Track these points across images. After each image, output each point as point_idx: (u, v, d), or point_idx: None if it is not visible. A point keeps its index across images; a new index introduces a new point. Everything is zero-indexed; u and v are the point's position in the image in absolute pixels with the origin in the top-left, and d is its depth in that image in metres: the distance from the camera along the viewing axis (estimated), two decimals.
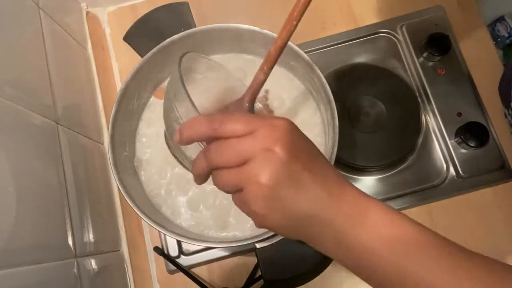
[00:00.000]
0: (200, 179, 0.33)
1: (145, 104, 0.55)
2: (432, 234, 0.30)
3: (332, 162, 0.45)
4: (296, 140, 0.30)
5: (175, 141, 0.32)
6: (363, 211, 0.30)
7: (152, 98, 0.55)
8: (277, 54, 0.38)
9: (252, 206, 0.29)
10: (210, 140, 0.31)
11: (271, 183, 0.28)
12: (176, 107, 0.35)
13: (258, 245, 0.44)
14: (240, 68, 0.55)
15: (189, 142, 0.32)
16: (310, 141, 0.32)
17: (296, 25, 0.36)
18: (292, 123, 0.31)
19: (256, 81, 0.39)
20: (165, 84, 0.55)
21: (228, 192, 0.32)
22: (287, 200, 0.29)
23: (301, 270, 0.44)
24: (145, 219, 0.44)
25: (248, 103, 0.40)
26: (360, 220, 0.30)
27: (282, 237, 0.44)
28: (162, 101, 0.55)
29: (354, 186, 0.31)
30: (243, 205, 0.31)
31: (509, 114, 0.58)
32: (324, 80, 0.48)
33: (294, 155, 0.29)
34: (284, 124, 0.30)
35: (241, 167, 0.29)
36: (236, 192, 0.31)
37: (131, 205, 0.45)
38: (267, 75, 0.39)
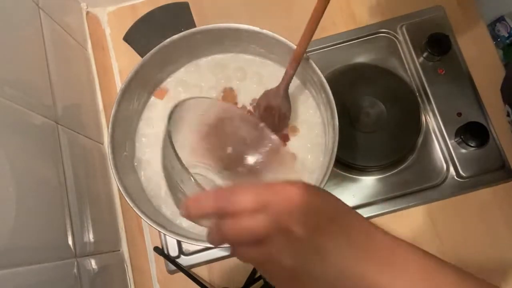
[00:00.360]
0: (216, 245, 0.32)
1: (145, 104, 0.55)
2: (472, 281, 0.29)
3: (332, 162, 0.45)
4: (312, 205, 0.28)
5: (181, 214, 0.31)
6: (396, 260, 0.28)
7: (152, 98, 0.55)
8: (302, 52, 0.46)
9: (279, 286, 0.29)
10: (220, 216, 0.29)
11: (294, 265, 0.27)
12: (177, 181, 0.33)
13: None
14: (240, 67, 0.56)
15: (197, 219, 0.31)
16: (327, 195, 0.30)
17: (316, 27, 0.44)
18: (305, 185, 0.28)
19: (287, 74, 0.48)
20: (165, 84, 0.55)
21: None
22: (315, 272, 0.28)
23: None
24: (145, 219, 0.44)
25: (283, 91, 0.50)
26: (392, 271, 0.28)
27: None
28: (162, 101, 0.55)
29: (384, 232, 0.29)
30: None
31: (511, 113, 0.58)
32: (324, 80, 0.48)
33: (312, 228, 0.27)
34: (297, 192, 0.27)
35: (259, 247, 0.28)
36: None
37: (131, 205, 0.45)
38: (295, 69, 0.48)
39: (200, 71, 0.56)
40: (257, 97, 0.53)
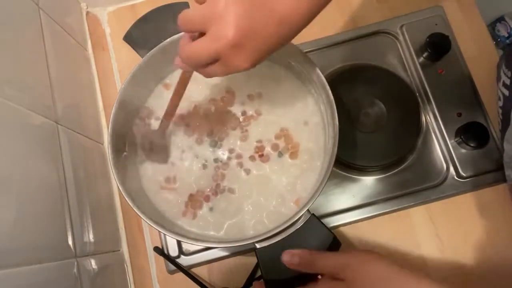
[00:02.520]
0: None
1: (146, 103, 0.55)
2: None
3: (333, 162, 0.45)
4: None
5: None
6: None
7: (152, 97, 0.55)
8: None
9: None
10: None
11: None
12: None
13: (258, 245, 0.44)
14: None
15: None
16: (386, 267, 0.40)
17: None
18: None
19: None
20: (165, 84, 0.55)
21: None
22: None
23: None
24: (145, 219, 0.44)
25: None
26: None
27: (282, 237, 0.44)
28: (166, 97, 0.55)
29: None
30: None
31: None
32: (324, 79, 0.48)
33: None
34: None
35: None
36: None
37: (131, 204, 0.45)
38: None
39: None
40: (253, 93, 0.54)
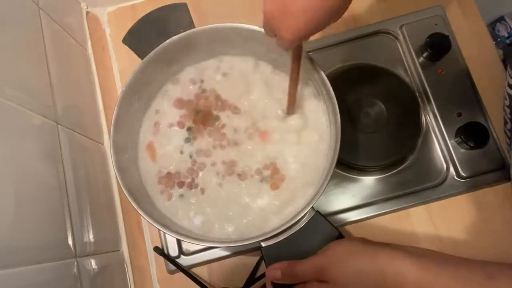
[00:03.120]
0: None
1: (147, 105, 0.55)
2: None
3: (335, 159, 0.45)
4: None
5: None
6: None
7: (153, 99, 0.55)
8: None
9: None
10: None
11: None
12: None
13: (263, 244, 0.44)
14: (240, 67, 0.56)
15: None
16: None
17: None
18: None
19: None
20: (165, 84, 0.55)
21: None
22: None
23: None
24: (150, 221, 0.44)
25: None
26: None
27: (287, 235, 0.45)
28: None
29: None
30: None
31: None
32: (325, 77, 0.48)
33: None
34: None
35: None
36: None
37: (135, 206, 0.45)
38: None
39: (200, 71, 0.56)
40: None
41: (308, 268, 0.42)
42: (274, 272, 0.43)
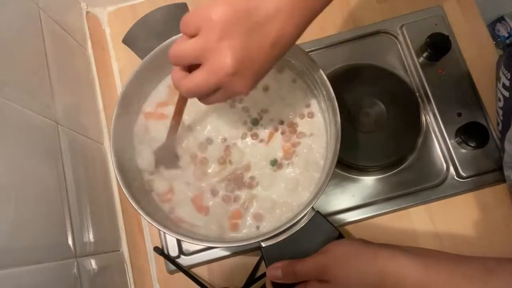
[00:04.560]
0: None
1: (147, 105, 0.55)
2: None
3: (335, 159, 0.45)
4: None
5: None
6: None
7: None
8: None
9: None
10: None
11: None
12: None
13: (263, 244, 0.44)
14: None
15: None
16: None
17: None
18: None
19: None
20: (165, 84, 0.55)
21: None
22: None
23: None
24: (150, 221, 0.44)
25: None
26: None
27: (287, 235, 0.45)
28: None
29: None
30: None
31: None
32: (325, 77, 0.48)
33: None
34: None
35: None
36: None
37: (135, 206, 0.45)
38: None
39: None
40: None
41: (309, 267, 0.42)
42: (275, 271, 0.43)
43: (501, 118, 0.56)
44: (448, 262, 0.38)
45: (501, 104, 0.56)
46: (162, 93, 0.55)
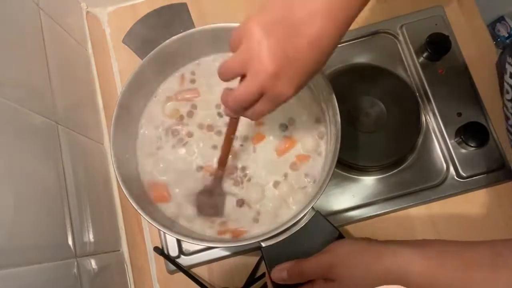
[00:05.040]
0: None
1: (146, 105, 0.55)
2: None
3: (335, 159, 0.45)
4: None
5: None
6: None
7: (154, 99, 0.55)
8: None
9: None
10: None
11: None
12: None
13: (263, 244, 0.44)
14: None
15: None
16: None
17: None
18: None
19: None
20: (166, 85, 0.55)
21: None
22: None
23: None
24: (150, 221, 0.44)
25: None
26: None
27: (287, 235, 0.44)
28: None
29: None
30: None
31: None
32: (325, 76, 0.48)
33: None
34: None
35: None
36: None
37: (135, 206, 0.45)
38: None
39: (200, 71, 0.56)
40: None
41: (315, 267, 0.42)
42: (280, 273, 0.43)
43: (510, 111, 0.56)
44: (453, 253, 0.38)
45: (509, 96, 0.56)
46: (162, 95, 0.55)
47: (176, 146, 0.53)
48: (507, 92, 0.56)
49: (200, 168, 0.52)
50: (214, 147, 0.52)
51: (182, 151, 0.53)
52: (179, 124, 0.54)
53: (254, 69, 0.34)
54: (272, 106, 0.37)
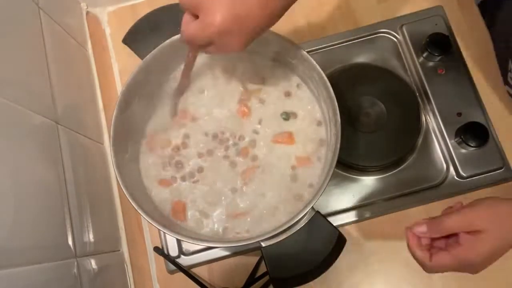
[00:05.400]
0: None
1: (147, 104, 0.55)
2: None
3: (335, 159, 0.45)
4: None
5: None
6: None
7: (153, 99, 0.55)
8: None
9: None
10: None
11: None
12: None
13: (263, 244, 0.44)
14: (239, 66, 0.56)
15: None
16: None
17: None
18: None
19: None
20: (166, 84, 0.55)
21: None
22: None
23: (307, 267, 0.44)
24: (150, 221, 0.44)
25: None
26: None
27: (287, 235, 0.44)
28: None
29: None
30: None
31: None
32: (325, 76, 0.48)
33: None
34: None
35: None
36: None
37: (135, 206, 0.45)
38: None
39: (200, 71, 0.56)
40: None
41: (457, 220, 0.42)
42: (420, 227, 0.44)
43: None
44: None
45: None
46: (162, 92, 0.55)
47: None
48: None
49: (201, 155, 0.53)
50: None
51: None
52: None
53: (204, 18, 0.37)
54: (220, 53, 0.40)
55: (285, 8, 0.39)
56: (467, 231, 0.42)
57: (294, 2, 0.39)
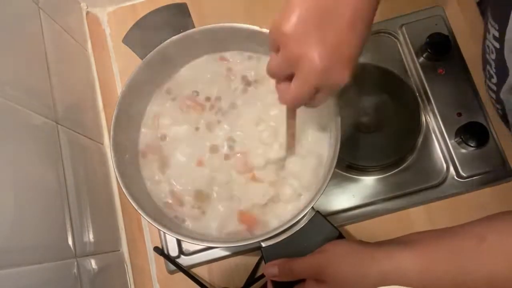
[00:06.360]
0: None
1: (146, 105, 0.55)
2: None
3: (336, 157, 0.45)
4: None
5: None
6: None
7: (154, 99, 0.55)
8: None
9: None
10: None
11: None
12: None
13: (263, 244, 0.44)
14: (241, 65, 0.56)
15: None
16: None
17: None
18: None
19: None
20: (165, 84, 0.55)
21: None
22: None
23: None
24: (150, 221, 0.44)
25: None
26: None
27: (287, 235, 0.44)
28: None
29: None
30: None
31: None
32: None
33: None
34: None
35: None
36: None
37: (135, 206, 0.45)
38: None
39: (200, 71, 0.56)
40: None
41: (306, 265, 0.42)
42: (271, 268, 0.43)
43: (494, 70, 0.55)
44: (442, 241, 0.39)
45: (493, 56, 0.55)
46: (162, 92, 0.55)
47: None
48: (492, 52, 0.55)
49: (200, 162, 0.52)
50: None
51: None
52: None
53: (303, 69, 0.34)
54: (331, 94, 0.38)
55: (372, 18, 0.37)
56: (315, 278, 0.41)
57: (376, 10, 0.37)
